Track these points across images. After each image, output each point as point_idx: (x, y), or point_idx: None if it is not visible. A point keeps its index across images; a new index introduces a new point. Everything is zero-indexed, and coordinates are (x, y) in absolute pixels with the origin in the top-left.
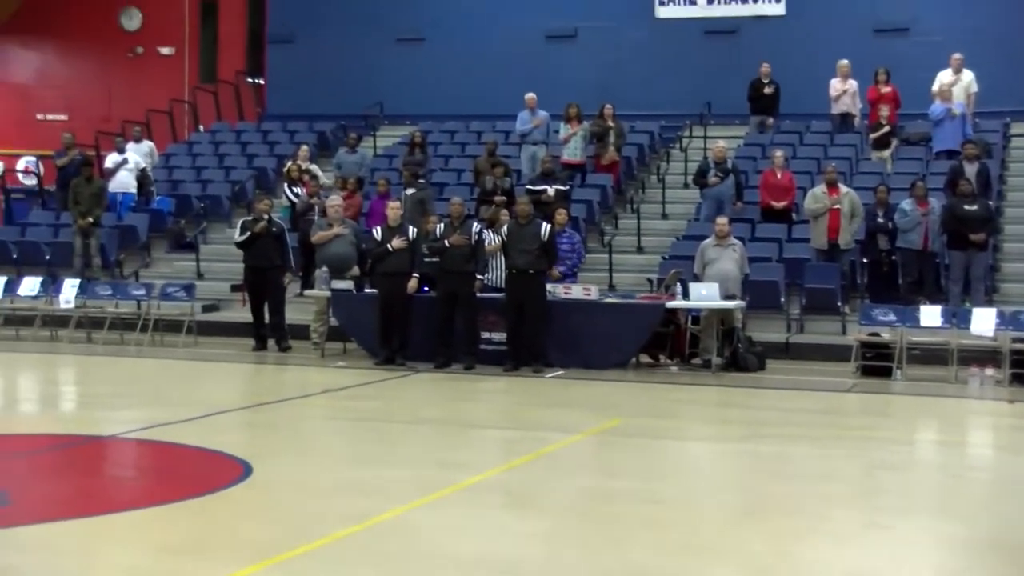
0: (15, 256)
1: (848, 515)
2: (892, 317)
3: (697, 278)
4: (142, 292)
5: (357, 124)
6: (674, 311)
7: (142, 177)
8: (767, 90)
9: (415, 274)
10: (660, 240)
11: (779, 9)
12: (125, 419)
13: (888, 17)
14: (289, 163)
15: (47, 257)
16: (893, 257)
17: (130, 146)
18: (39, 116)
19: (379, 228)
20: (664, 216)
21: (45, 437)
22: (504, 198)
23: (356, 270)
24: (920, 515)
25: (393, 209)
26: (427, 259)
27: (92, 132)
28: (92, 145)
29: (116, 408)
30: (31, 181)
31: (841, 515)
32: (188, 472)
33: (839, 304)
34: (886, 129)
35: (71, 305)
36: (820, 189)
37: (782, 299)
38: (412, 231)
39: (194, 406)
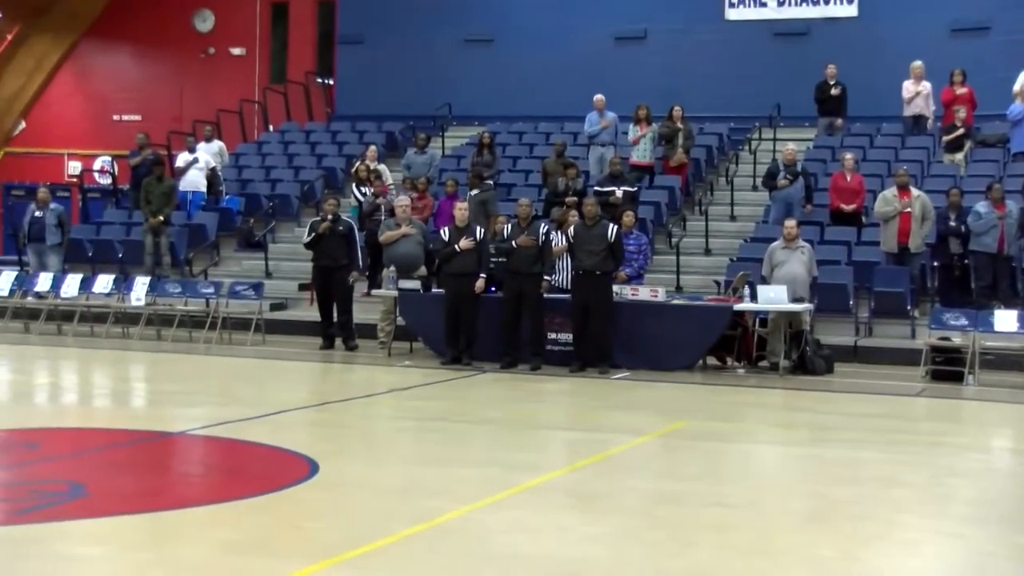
0: (90, 254)
1: (918, 522)
2: (964, 321)
3: (765, 280)
4: (211, 290)
5: (426, 125)
6: (742, 313)
7: (212, 176)
8: (833, 92)
9: (482, 274)
10: (728, 242)
11: (851, 11)
12: (194, 416)
13: (967, 16)
14: (357, 163)
15: (120, 255)
16: (965, 261)
17: (201, 146)
18: (115, 117)
19: (447, 228)
20: (732, 218)
21: (120, 432)
22: (575, 199)
23: (423, 270)
24: (992, 524)
25: (461, 210)
26: (494, 260)
27: (164, 132)
28: (164, 145)
29: (186, 405)
30: (106, 180)
31: (910, 521)
32: (255, 469)
33: (908, 308)
34: (960, 131)
35: (142, 303)
36: (891, 192)
37: (851, 302)
38: (480, 231)
39: (262, 404)
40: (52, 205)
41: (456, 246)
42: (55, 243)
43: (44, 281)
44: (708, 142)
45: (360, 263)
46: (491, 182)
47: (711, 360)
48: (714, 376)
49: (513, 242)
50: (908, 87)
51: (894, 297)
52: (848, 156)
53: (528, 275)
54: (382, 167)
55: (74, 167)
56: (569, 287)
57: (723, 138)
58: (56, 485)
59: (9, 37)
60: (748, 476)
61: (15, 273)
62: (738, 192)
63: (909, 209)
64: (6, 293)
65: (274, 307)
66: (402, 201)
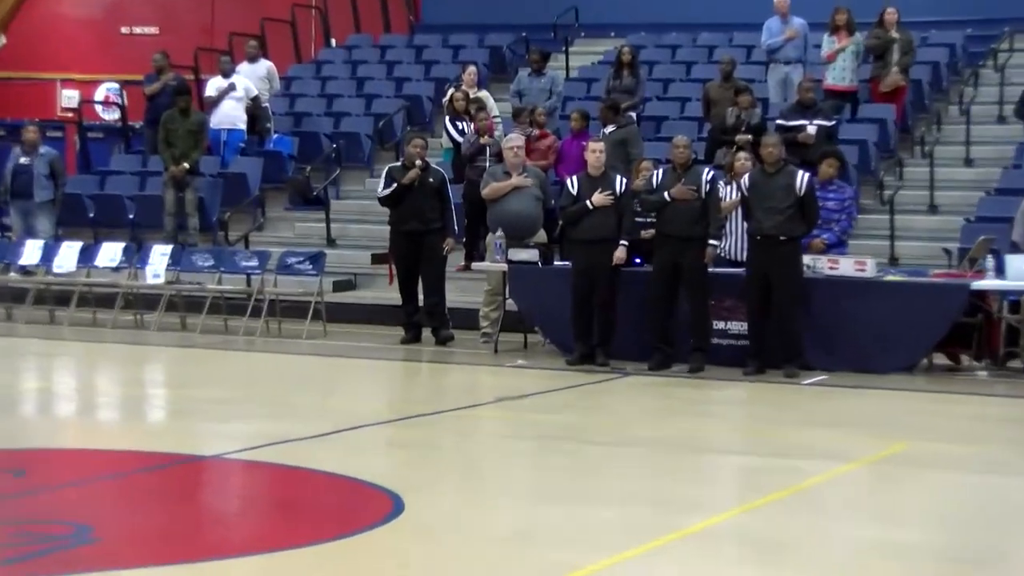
0: (92, 215)
1: None
2: None
3: (1017, 248)
4: (254, 263)
5: (544, 37)
6: (983, 294)
7: (255, 109)
8: None
9: (623, 241)
10: (962, 196)
11: None
12: (234, 434)
13: None
14: (452, 90)
15: (131, 216)
16: None
17: (240, 68)
18: (124, 30)
19: (574, 178)
20: (968, 162)
21: (133, 455)
22: (749, 137)
23: (543, 235)
24: None
25: (594, 153)
26: (640, 220)
27: (190, 50)
28: (190, 67)
29: (222, 419)
30: (113, 115)
31: None
32: (319, 507)
33: None
34: None
35: (161, 280)
36: None
37: None
38: (621, 182)
39: (325, 418)
40: (42, 149)
41: (588, 202)
42: (45, 200)
43: (32, 251)
44: (934, 57)
45: (456, 226)
46: (633, 115)
47: (939, 358)
48: (944, 381)
49: (666, 194)
50: None
51: None
52: None
53: (686, 241)
54: (485, 95)
55: (70, 97)
56: (743, 258)
57: (956, 51)
58: (53, 527)
59: None
60: (996, 521)
61: None
62: (976, 126)
63: None
64: None
65: (339, 286)
66: (513, 141)
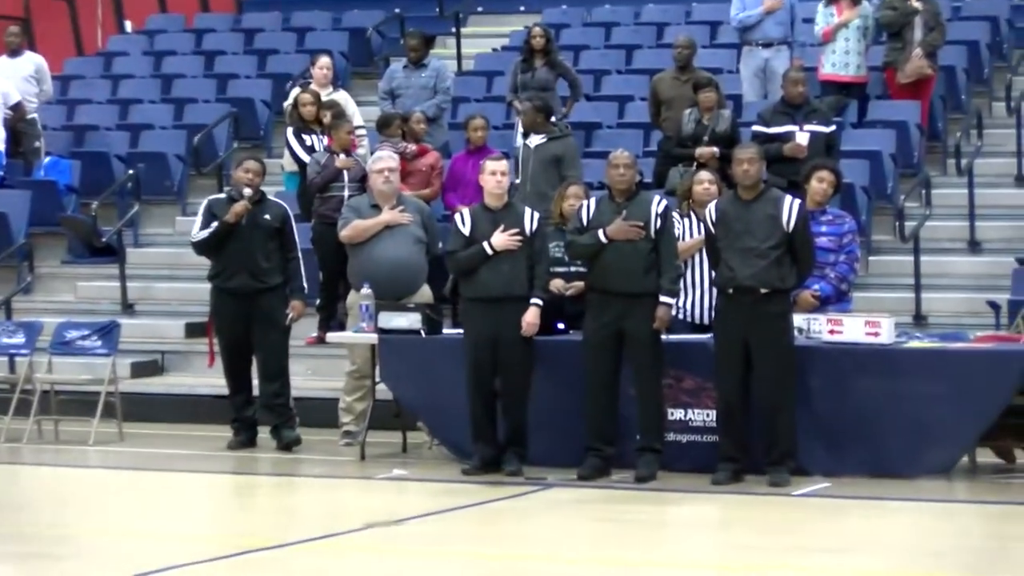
0: None
1: None
2: None
3: None
4: (18, 340)
5: (426, 14)
6: None
7: (16, 122)
8: None
9: (536, 299)
10: (1013, 228)
11: None
12: None
13: None
14: (297, 91)
15: None
16: None
17: None
18: None
19: (466, 211)
20: (1020, 180)
21: None
22: (715, 151)
23: (427, 292)
24: None
25: (494, 176)
26: (562, 269)
27: None
28: None
29: None
30: None
31: None
32: None
33: None
34: None
35: None
36: None
37: None
38: (532, 217)
39: (120, 558)
40: None
41: (486, 245)
42: None
43: None
44: (971, 34)
45: (304, 282)
46: (567, 123)
47: (986, 455)
48: (995, 487)
49: (601, 234)
50: None
51: None
52: None
53: (630, 298)
54: (344, 97)
55: None
56: (710, 320)
57: (999, 26)
58: None
59: None
60: None
61: None
62: None
63: None
64: None
65: (140, 370)
66: (383, 162)
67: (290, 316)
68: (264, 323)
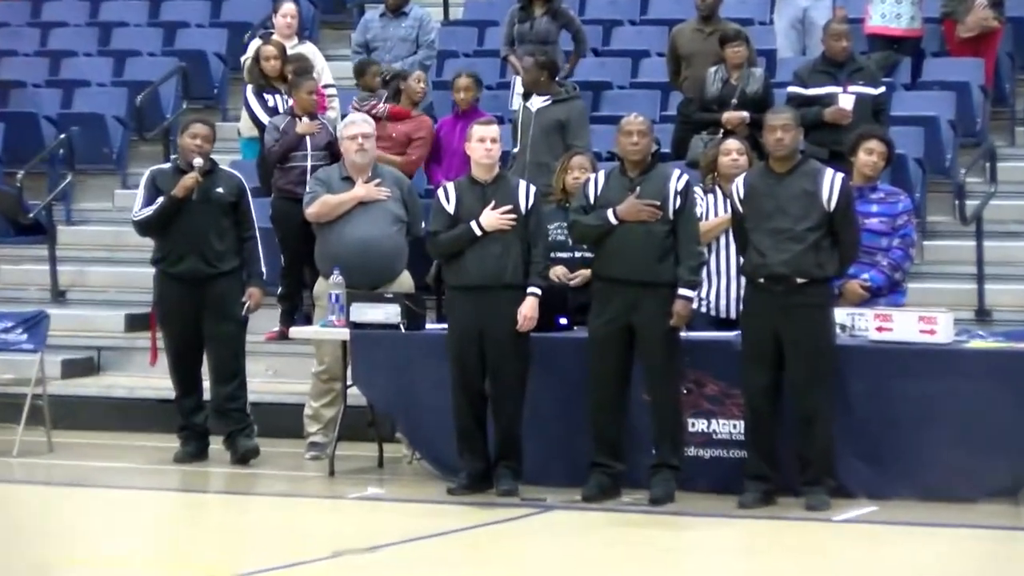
0: None
1: None
2: None
3: None
4: None
5: None
6: None
7: None
8: None
9: (533, 288)
10: None
11: None
12: None
13: None
14: (257, 41)
15: None
16: None
17: None
18: None
19: (451, 186)
20: None
21: None
22: (746, 115)
23: (408, 280)
24: None
25: (483, 143)
26: (563, 255)
27: None
28: None
29: None
30: None
31: None
32: None
33: None
34: None
35: None
36: None
37: None
38: (527, 192)
39: None
40: None
41: (474, 224)
42: None
43: None
44: None
45: (263, 267)
46: (572, 83)
47: None
48: None
49: (610, 214)
50: None
51: None
52: None
53: (643, 288)
54: (312, 50)
55: None
56: (736, 315)
57: None
58: None
59: None
60: None
61: None
62: None
63: None
64: None
65: (73, 369)
66: (357, 127)
67: (246, 305)
68: (217, 314)
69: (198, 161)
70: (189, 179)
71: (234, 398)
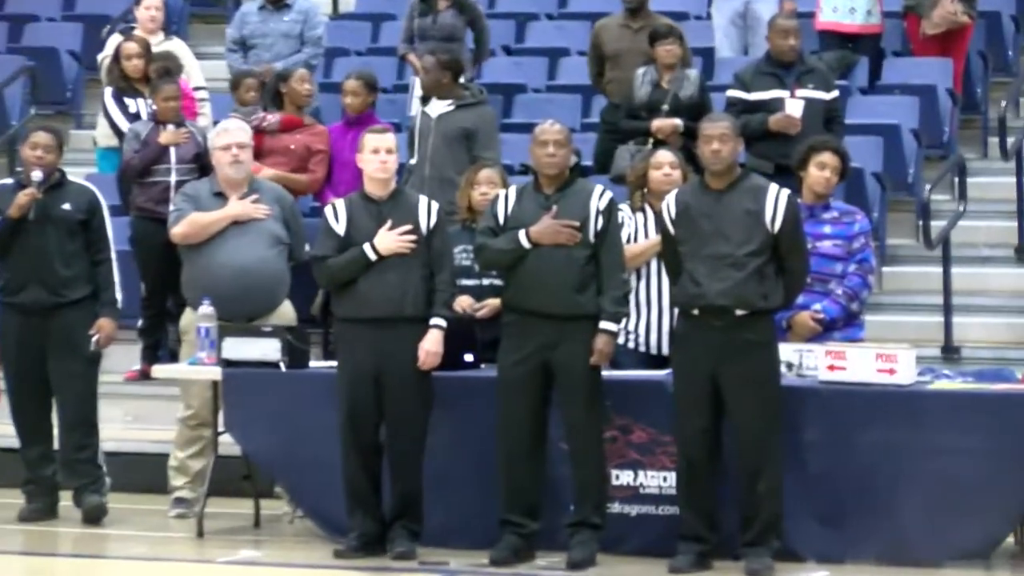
0: None
1: None
2: None
3: None
4: None
5: None
6: None
7: None
8: None
9: (438, 320)
10: None
11: None
12: None
13: None
14: (117, 37)
15: None
16: None
17: None
18: None
19: (340, 203)
20: None
21: None
22: (678, 123)
23: (289, 311)
24: None
25: (377, 155)
26: (472, 281)
27: None
28: None
29: None
30: None
31: None
32: None
33: None
34: None
35: None
36: None
37: None
38: (428, 209)
39: None
40: None
41: (368, 247)
42: None
43: None
44: None
45: (118, 296)
46: (479, 85)
47: None
48: None
49: (522, 236)
50: None
51: None
52: None
53: (562, 322)
54: (178, 46)
55: None
56: (668, 350)
57: None
58: None
59: None
60: None
61: None
62: None
63: None
64: None
65: None
66: (231, 135)
67: (97, 339)
68: (63, 350)
69: (36, 174)
70: (24, 196)
71: (82, 447)
